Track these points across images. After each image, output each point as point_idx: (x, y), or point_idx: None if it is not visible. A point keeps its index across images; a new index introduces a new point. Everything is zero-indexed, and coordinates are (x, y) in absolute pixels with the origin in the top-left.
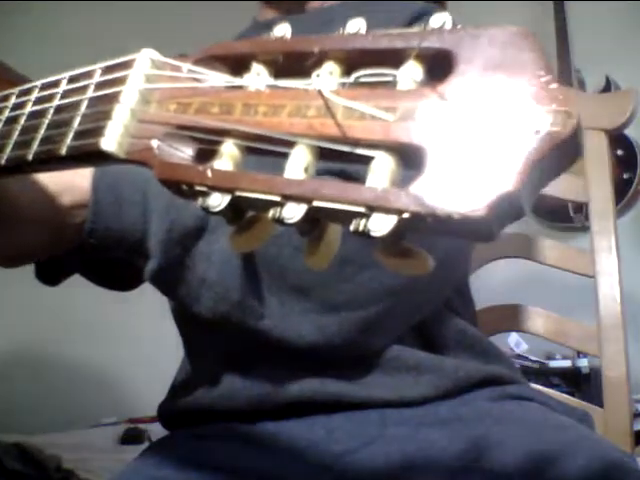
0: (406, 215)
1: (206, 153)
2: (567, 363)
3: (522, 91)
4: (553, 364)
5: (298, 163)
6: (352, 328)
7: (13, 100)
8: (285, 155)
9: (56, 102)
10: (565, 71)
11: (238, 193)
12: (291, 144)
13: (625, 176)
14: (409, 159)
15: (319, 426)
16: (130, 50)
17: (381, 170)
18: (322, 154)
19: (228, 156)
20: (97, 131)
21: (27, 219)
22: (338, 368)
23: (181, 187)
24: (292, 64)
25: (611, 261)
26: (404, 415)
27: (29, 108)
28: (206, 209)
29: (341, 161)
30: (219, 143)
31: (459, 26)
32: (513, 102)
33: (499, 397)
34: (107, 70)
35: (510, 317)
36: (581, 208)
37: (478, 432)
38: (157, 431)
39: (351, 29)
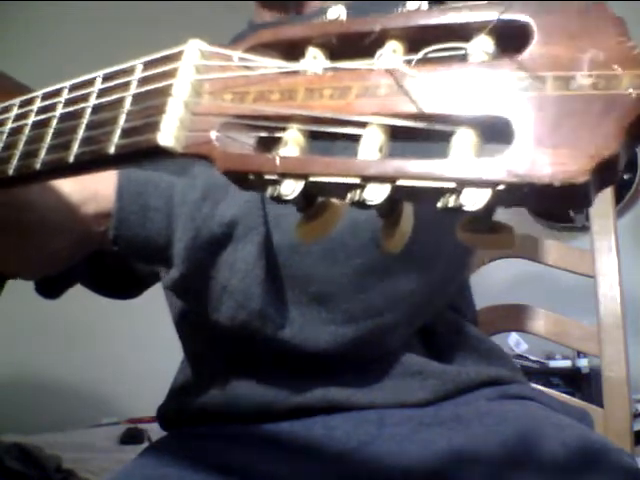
0: (501, 187)
1: (266, 142)
2: (567, 363)
3: (608, 56)
4: (553, 364)
5: (372, 144)
6: (368, 335)
7: (38, 103)
8: (352, 137)
9: (92, 102)
10: None
11: (312, 178)
12: (363, 125)
13: (625, 176)
14: (492, 131)
15: (318, 426)
16: (130, 52)
17: (464, 144)
18: (395, 133)
19: (294, 142)
20: (151, 126)
21: (52, 229)
22: (343, 374)
23: (248, 177)
24: (348, 46)
25: (611, 261)
26: (403, 415)
27: (60, 110)
28: (277, 198)
29: (416, 139)
30: (282, 130)
31: None
32: (600, 68)
33: (499, 397)
34: (150, 64)
35: (510, 317)
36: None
37: (478, 432)
38: (157, 431)
39: (411, 6)
